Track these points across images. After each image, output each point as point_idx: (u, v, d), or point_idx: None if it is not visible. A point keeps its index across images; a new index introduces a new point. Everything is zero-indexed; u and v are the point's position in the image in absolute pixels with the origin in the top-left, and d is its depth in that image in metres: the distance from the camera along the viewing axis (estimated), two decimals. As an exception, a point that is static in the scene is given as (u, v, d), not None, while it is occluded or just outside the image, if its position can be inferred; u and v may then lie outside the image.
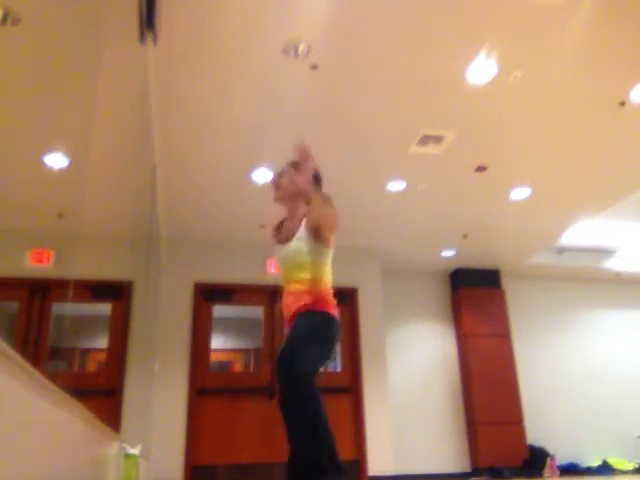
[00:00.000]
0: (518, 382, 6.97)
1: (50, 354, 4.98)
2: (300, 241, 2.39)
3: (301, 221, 2.44)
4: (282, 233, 2.53)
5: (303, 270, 2.36)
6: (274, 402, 5.80)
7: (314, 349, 2.22)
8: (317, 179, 2.53)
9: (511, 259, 7.17)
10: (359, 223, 5.98)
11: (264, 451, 5.63)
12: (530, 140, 4.51)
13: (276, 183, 2.56)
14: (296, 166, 2.50)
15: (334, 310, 2.35)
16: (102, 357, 5.90)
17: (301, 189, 2.40)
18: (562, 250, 7.27)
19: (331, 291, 2.40)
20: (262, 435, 5.69)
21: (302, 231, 2.41)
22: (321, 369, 2.32)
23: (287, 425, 2.15)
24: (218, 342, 6.79)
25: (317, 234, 2.35)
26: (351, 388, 6.14)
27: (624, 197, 5.49)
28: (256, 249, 6.15)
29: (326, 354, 2.32)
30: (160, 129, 4.15)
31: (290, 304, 2.37)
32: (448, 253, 6.93)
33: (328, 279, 2.41)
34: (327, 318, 2.31)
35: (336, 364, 6.38)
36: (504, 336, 7.17)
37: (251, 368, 7.61)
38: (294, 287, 2.37)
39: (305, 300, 2.31)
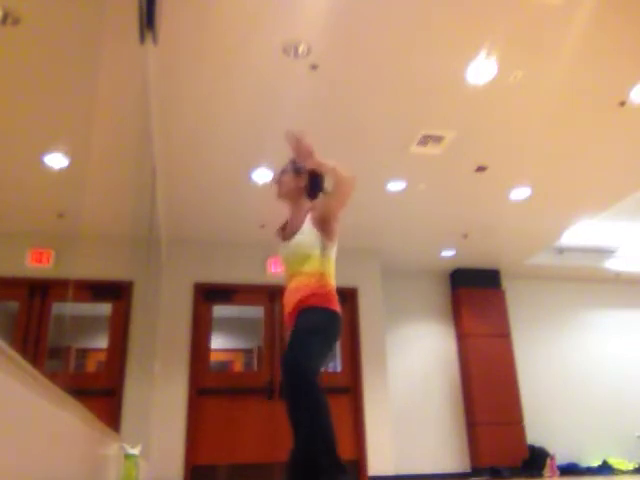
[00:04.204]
0: (518, 382, 6.97)
1: (50, 354, 4.98)
2: (304, 234, 2.40)
3: (305, 215, 2.45)
4: (287, 229, 2.54)
5: (308, 263, 2.35)
6: (274, 402, 5.80)
7: (319, 346, 2.23)
8: (316, 182, 2.54)
9: (511, 259, 7.16)
10: (359, 223, 5.98)
11: (264, 451, 5.63)
12: (530, 140, 4.51)
13: (278, 180, 2.60)
14: (297, 165, 2.52)
15: (338, 307, 2.35)
16: (102, 357, 5.90)
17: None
18: (562, 250, 7.27)
19: (334, 287, 2.40)
20: (262, 435, 5.69)
21: (307, 224, 2.42)
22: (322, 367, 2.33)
23: (291, 422, 2.15)
24: (218, 342, 6.78)
25: (324, 225, 2.37)
26: (351, 388, 6.14)
27: (624, 197, 5.49)
28: (256, 249, 6.15)
29: (329, 351, 2.33)
30: (160, 129, 4.15)
31: (292, 299, 2.35)
32: (448, 253, 6.92)
33: (332, 275, 2.40)
34: (332, 315, 2.30)
35: (336, 364, 6.37)
36: (504, 336, 7.16)
37: (251, 368, 7.61)
38: (299, 280, 2.35)
39: (309, 295, 2.30)
